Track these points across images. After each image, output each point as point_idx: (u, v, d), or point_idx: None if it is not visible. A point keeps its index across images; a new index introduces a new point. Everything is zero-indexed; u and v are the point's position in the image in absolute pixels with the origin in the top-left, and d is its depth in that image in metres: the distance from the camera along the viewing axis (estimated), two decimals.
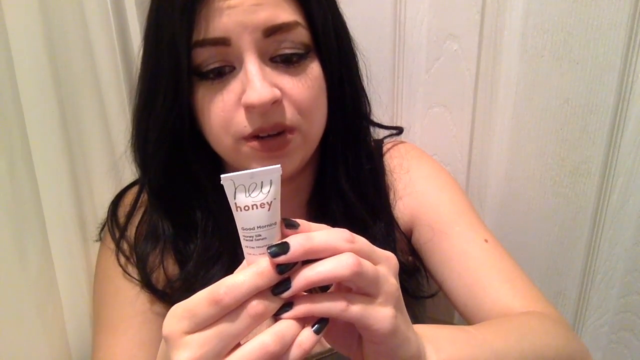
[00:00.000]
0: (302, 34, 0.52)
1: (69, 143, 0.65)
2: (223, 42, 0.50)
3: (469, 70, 0.74)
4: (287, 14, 0.51)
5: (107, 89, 0.71)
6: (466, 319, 0.60)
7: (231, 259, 0.59)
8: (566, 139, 0.71)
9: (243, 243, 0.35)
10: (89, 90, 0.69)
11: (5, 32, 0.55)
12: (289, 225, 0.36)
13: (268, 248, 0.33)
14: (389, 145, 0.69)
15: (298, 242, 0.34)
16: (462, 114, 0.77)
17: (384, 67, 0.79)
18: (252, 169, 0.51)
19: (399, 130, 0.73)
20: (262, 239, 0.35)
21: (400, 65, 0.78)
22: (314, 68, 0.54)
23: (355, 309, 0.34)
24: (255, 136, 0.52)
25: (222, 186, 0.35)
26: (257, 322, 0.34)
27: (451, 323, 0.92)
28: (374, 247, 0.37)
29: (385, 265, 0.37)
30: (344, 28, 0.60)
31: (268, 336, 0.33)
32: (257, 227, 0.34)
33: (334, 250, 0.34)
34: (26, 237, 0.56)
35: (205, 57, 0.51)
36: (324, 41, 0.54)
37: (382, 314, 0.35)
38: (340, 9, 0.59)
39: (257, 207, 0.34)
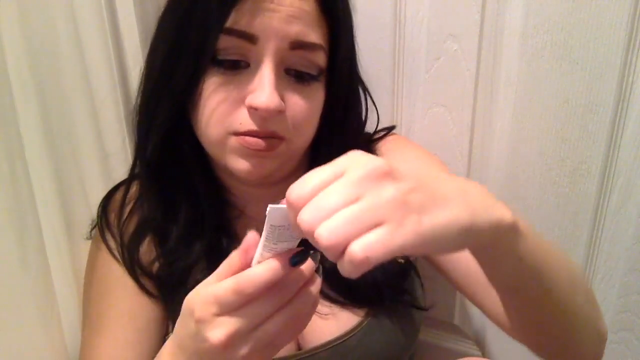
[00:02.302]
0: (321, 58, 0.55)
1: (59, 143, 0.65)
2: (251, 38, 0.51)
3: (469, 70, 0.74)
4: (316, 36, 0.53)
5: (99, 88, 0.70)
6: (485, 312, 0.61)
7: (211, 247, 0.61)
8: (566, 139, 0.72)
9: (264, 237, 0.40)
10: (80, 90, 0.68)
11: None
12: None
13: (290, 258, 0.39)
14: (379, 143, 0.69)
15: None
16: (462, 114, 0.77)
17: (384, 67, 0.79)
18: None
19: (391, 128, 0.73)
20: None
21: (400, 65, 0.78)
22: (320, 93, 0.57)
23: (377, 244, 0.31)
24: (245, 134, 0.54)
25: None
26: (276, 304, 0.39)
27: (451, 324, 0.92)
28: (336, 186, 0.34)
29: (369, 195, 0.33)
30: (355, 56, 0.63)
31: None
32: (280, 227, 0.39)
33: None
34: (26, 237, 0.56)
35: (227, 45, 0.52)
36: (340, 69, 0.57)
37: (408, 228, 0.32)
38: (355, 38, 0.61)
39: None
